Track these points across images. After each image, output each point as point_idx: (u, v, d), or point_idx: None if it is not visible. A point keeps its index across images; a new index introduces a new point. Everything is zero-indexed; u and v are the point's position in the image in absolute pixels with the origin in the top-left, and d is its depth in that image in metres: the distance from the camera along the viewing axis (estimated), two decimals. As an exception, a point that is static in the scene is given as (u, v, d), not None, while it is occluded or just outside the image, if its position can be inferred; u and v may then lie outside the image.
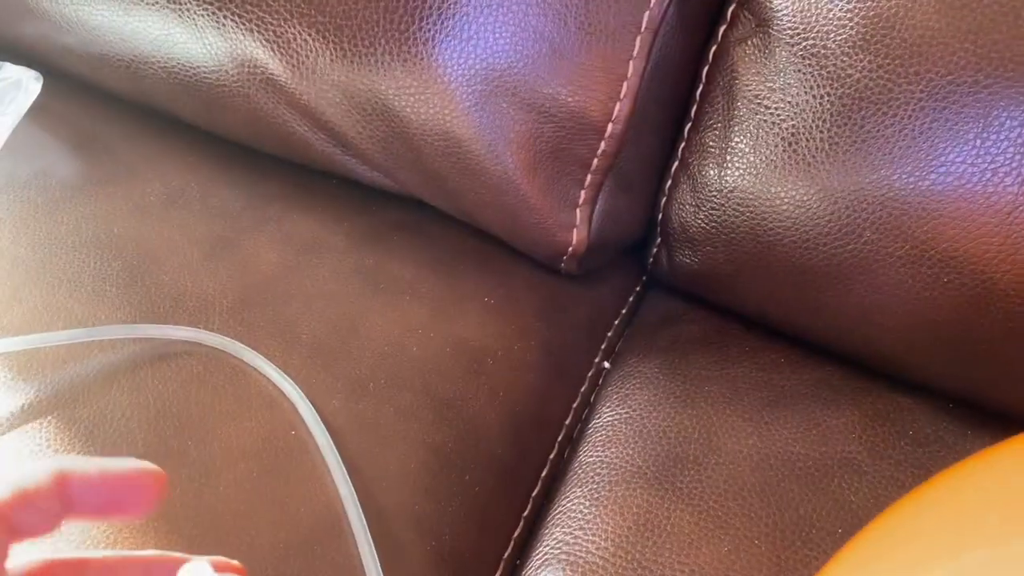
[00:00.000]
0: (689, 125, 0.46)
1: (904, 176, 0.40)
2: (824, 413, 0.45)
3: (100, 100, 0.55)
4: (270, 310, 0.46)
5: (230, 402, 0.42)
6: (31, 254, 0.47)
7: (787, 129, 0.42)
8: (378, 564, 0.37)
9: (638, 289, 0.55)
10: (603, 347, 0.51)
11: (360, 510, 0.38)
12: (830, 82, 0.41)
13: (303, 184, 0.52)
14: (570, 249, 0.49)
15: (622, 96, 0.44)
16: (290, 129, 0.50)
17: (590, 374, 0.50)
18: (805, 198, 0.43)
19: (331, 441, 0.40)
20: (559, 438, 0.47)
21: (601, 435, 0.46)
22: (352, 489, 0.39)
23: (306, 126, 0.49)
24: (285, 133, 0.50)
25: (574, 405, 0.48)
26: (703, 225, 0.47)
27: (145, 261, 0.47)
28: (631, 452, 0.44)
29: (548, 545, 0.41)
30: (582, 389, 0.49)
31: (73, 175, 0.52)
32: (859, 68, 0.39)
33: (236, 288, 0.47)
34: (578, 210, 0.48)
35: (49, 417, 0.40)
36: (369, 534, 0.38)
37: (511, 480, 0.44)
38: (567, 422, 0.48)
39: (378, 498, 0.40)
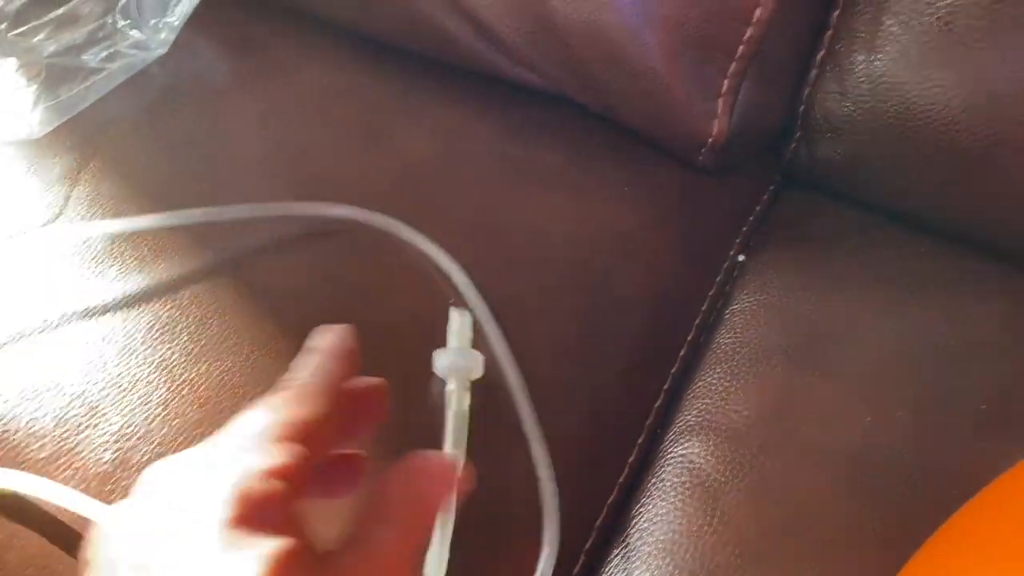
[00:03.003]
0: (837, 12, 0.46)
1: (1066, 55, 0.40)
2: (967, 300, 0.45)
3: (256, 4, 0.58)
4: (424, 193, 0.49)
5: (392, 273, 0.45)
6: (205, 141, 0.51)
7: (942, 9, 0.42)
8: (535, 420, 0.39)
9: (772, 187, 0.55)
10: (738, 241, 0.52)
11: (517, 370, 0.41)
12: (992, -42, 0.40)
13: (449, 81, 0.55)
14: (710, 140, 0.50)
15: (772, -20, 0.44)
16: (441, 25, 0.52)
17: (726, 265, 0.51)
18: (959, 80, 0.43)
19: (488, 309, 0.43)
20: (696, 322, 0.48)
21: (739, 319, 0.47)
22: (509, 351, 0.41)
23: (457, 21, 0.51)
24: (436, 30, 0.52)
25: (710, 293, 0.50)
26: (848, 113, 0.47)
27: (308, 147, 0.50)
28: (770, 333, 0.46)
29: (690, 414, 0.43)
30: (718, 279, 0.50)
31: (235, 72, 0.56)
32: (1026, -61, 0.39)
33: (392, 173, 0.49)
34: (720, 100, 0.49)
35: (229, 280, 0.44)
36: (526, 393, 0.40)
37: (652, 355, 0.46)
38: (703, 308, 0.49)
39: (532, 363, 0.42)
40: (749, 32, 0.46)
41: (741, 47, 0.46)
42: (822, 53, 0.48)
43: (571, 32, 0.48)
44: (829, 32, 0.47)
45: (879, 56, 0.45)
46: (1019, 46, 0.41)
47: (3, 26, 0.58)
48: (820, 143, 0.50)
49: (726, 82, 0.48)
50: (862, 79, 0.46)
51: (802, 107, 0.50)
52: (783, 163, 0.53)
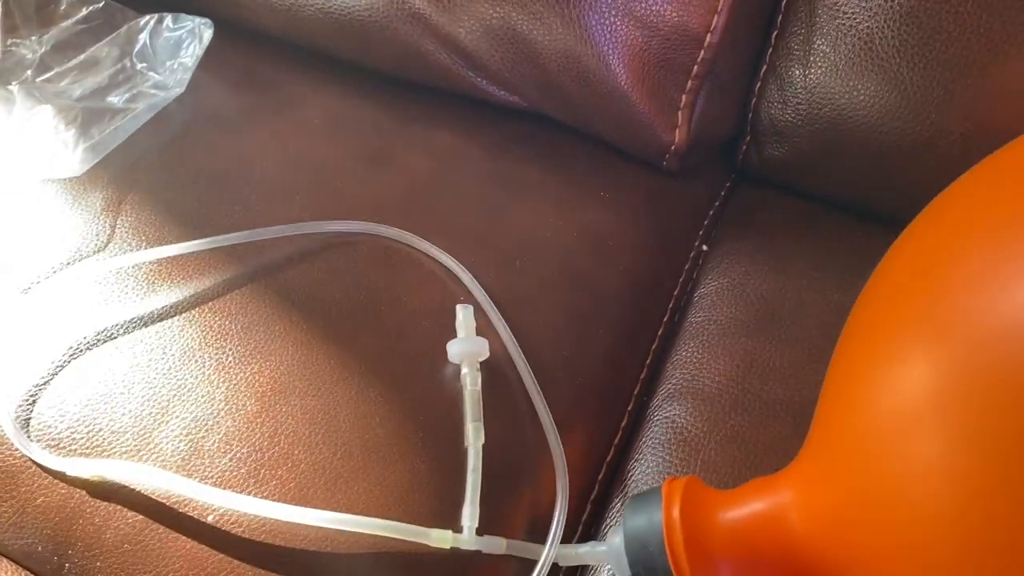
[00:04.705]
0: (776, 32, 0.54)
1: (965, 66, 0.48)
2: (897, 273, 0.53)
3: (262, 42, 0.65)
4: (427, 207, 0.56)
5: (408, 277, 0.52)
6: (229, 169, 0.57)
7: (863, 31, 0.50)
8: (541, 393, 0.47)
9: (728, 184, 0.63)
10: (701, 232, 0.60)
11: (522, 353, 0.48)
12: (899, -13, 0.48)
13: (441, 105, 0.62)
14: (673, 147, 0.58)
15: (719, 10, 0.52)
16: (431, 56, 0.59)
17: (692, 254, 0.59)
18: (879, 89, 0.51)
19: (493, 304, 0.50)
20: (670, 305, 0.56)
21: (706, 301, 0.55)
22: (513, 337, 0.49)
23: (445, 53, 0.58)
24: (426, 60, 0.59)
25: (680, 279, 0.57)
26: (790, 119, 0.55)
27: (321, 172, 0.57)
28: (733, 311, 0.53)
29: (671, 383, 0.50)
30: (686, 266, 0.58)
31: (247, 107, 0.62)
32: (925, -27, 0.47)
33: (398, 191, 0.56)
34: (680, 112, 0.56)
35: (267, 291, 0.50)
36: (531, 371, 0.47)
37: (634, 335, 0.53)
38: (675, 292, 0.57)
39: (532, 347, 0.49)
40: (702, 55, 0.53)
41: (696, 67, 0.54)
42: (764, 68, 0.56)
43: (549, 60, 0.55)
44: (770, 50, 0.55)
45: (812, 70, 0.53)
46: (926, 60, 0.49)
47: (29, 73, 0.64)
48: (767, 145, 0.58)
49: (684, 97, 0.56)
50: (799, 90, 0.54)
51: (750, 115, 0.58)
52: (736, 163, 0.61)
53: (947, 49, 0.48)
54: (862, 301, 0.37)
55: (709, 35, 0.53)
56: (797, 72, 0.54)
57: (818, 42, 0.52)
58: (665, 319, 0.55)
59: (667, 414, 0.49)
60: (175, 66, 0.62)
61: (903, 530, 0.30)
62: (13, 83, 0.62)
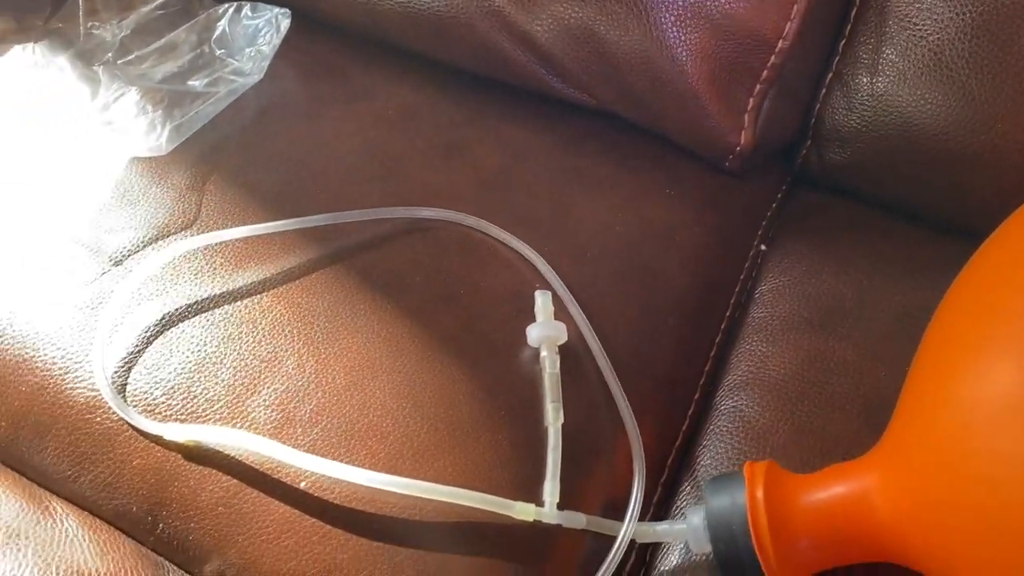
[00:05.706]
0: (844, 41, 0.56)
1: (1032, 77, 0.50)
2: (956, 278, 0.55)
3: (338, 34, 0.67)
4: (500, 198, 0.57)
5: (484, 262, 0.53)
6: (307, 156, 0.59)
7: (933, 42, 0.52)
8: (616, 377, 0.48)
9: (785, 186, 0.65)
10: (760, 233, 0.62)
11: (598, 340, 0.50)
12: (971, 0, 0.50)
13: (512, 100, 0.64)
14: (738, 148, 0.59)
15: (792, 17, 0.54)
16: (506, 53, 0.61)
17: (751, 253, 0.60)
18: (948, 99, 0.53)
19: (569, 291, 0.52)
20: (732, 301, 0.58)
21: (768, 297, 0.57)
22: (590, 325, 0.50)
23: (520, 50, 0.60)
24: (501, 56, 0.61)
25: (741, 277, 0.59)
26: (854, 125, 0.57)
27: (397, 160, 0.59)
28: (795, 307, 0.55)
29: (736, 374, 0.52)
30: (746, 265, 0.60)
31: (322, 96, 0.64)
32: (999, -13, 0.49)
33: (470, 181, 0.58)
34: (747, 115, 0.58)
35: (354, 272, 0.52)
36: (606, 356, 0.49)
37: (699, 327, 0.55)
38: (736, 289, 0.58)
39: (605, 334, 0.51)
40: (772, 59, 0.55)
41: (765, 72, 0.56)
42: (831, 75, 0.57)
43: (621, 60, 0.57)
44: (837, 58, 0.57)
45: (879, 78, 0.55)
46: (996, 71, 0.50)
47: (110, 55, 0.66)
48: (828, 149, 0.60)
49: (752, 100, 0.57)
50: (866, 97, 0.56)
51: (813, 119, 0.59)
52: (795, 166, 0.63)
53: (1017, 62, 0.50)
54: (951, 297, 0.38)
55: (781, 41, 0.54)
56: (864, 80, 0.55)
57: (887, 51, 0.54)
58: (728, 313, 0.57)
59: (733, 404, 0.51)
60: (253, 53, 0.64)
61: (992, 515, 0.32)
62: (96, 64, 0.64)
